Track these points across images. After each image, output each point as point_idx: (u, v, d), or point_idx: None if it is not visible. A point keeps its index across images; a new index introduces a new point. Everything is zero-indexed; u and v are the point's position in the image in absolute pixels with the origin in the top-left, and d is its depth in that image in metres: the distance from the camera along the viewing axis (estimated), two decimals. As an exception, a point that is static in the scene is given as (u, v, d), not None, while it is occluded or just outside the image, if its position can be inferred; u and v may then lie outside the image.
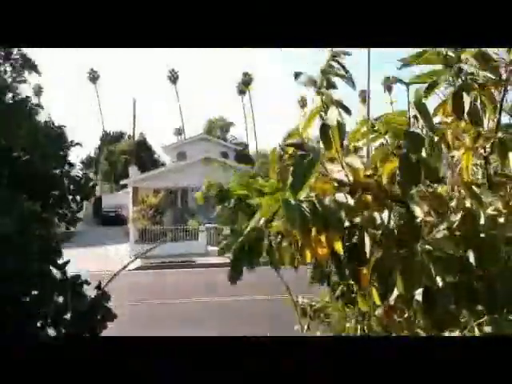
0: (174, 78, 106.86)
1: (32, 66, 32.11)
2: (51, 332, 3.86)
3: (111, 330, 4.17)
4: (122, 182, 31.17)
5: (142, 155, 60.72)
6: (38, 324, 3.99)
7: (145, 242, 23.01)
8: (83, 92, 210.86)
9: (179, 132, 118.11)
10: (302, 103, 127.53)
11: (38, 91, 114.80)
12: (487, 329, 1.54)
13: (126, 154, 61.50)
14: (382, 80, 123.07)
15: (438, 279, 1.52)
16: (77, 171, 5.57)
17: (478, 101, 1.77)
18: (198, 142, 34.16)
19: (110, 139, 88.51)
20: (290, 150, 1.78)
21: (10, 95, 5.16)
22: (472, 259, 1.54)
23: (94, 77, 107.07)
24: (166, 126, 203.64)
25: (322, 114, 1.80)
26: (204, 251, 23.17)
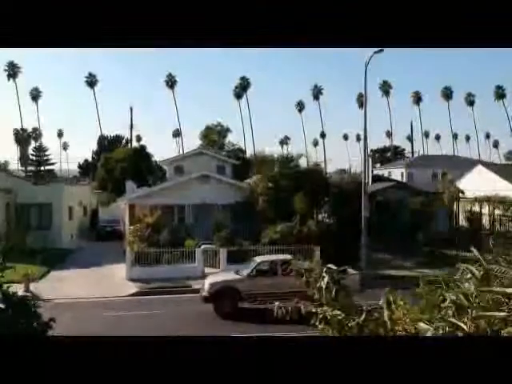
0: (171, 82, 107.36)
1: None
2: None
3: None
4: (118, 199, 30.97)
5: (140, 163, 60.57)
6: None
7: (141, 265, 22.84)
8: (81, 96, 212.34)
9: (177, 133, 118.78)
10: (299, 107, 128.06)
11: (36, 95, 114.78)
12: None
13: (123, 162, 61.39)
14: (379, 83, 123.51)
15: None
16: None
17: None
18: (195, 156, 34.22)
19: (107, 143, 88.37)
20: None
21: None
22: None
23: (91, 82, 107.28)
24: (164, 128, 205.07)
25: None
26: (201, 274, 22.99)
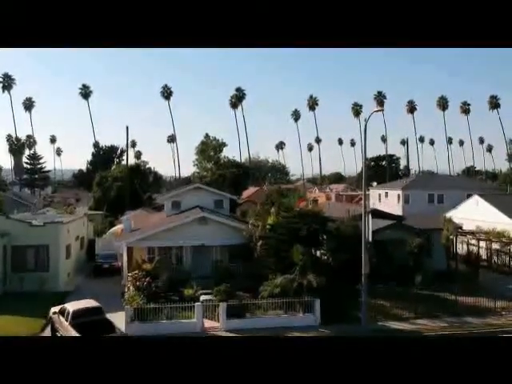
0: (167, 93, 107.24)
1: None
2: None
3: None
4: (112, 229, 30.54)
5: (136, 181, 60.27)
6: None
7: (140, 321, 22.62)
8: (77, 106, 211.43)
9: (172, 139, 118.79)
10: (296, 116, 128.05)
11: (29, 105, 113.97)
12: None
13: (119, 181, 61.13)
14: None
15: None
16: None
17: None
18: (192, 191, 34.11)
19: (102, 154, 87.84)
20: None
21: None
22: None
23: (85, 93, 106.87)
24: (159, 136, 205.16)
25: None
26: (200, 330, 22.82)
